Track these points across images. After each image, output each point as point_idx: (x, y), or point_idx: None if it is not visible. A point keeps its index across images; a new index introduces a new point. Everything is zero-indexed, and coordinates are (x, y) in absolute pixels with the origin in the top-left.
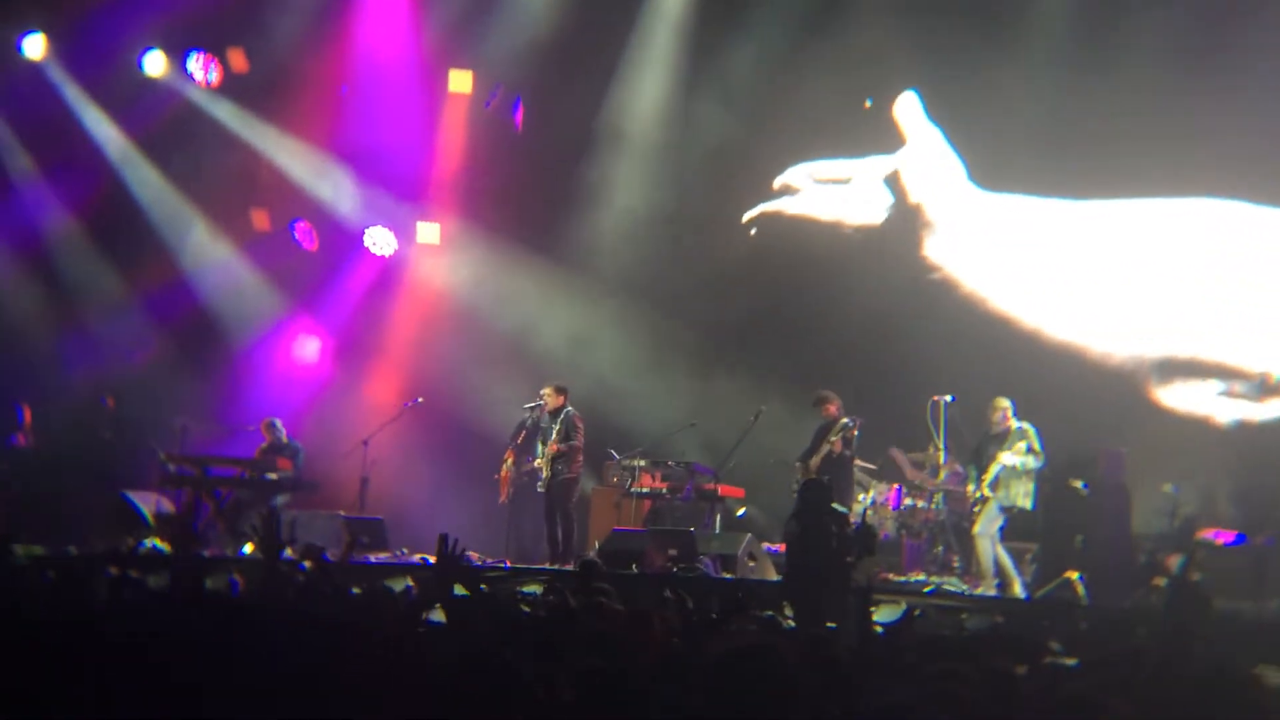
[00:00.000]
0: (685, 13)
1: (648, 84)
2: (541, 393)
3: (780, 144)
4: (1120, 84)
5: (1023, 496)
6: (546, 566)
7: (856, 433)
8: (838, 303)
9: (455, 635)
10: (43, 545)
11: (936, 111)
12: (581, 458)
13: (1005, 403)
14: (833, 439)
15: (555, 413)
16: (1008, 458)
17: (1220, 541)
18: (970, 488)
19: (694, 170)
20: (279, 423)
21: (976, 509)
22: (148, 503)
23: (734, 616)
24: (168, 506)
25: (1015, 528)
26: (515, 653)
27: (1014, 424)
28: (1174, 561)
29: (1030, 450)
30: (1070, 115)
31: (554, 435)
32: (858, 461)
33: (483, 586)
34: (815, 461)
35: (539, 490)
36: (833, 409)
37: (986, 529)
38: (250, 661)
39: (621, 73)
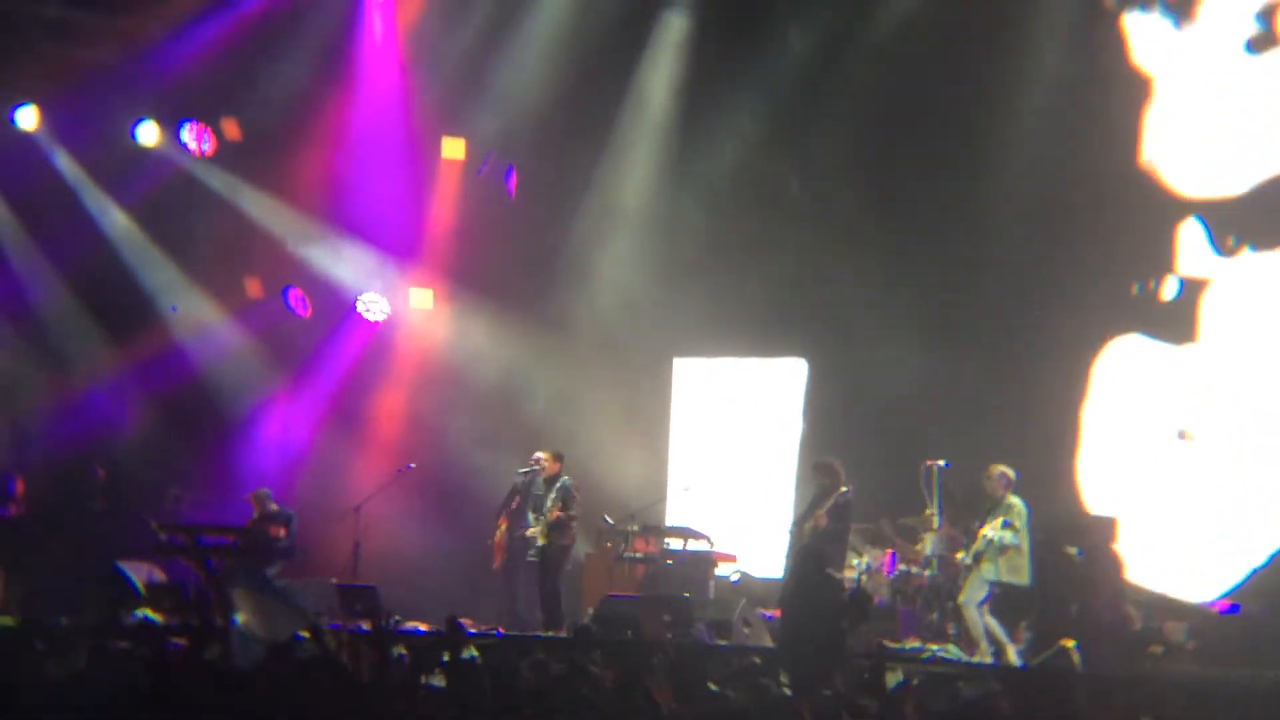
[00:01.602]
0: (677, 88)
1: (638, 156)
2: (538, 457)
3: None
4: None
5: (1008, 571)
6: (539, 634)
7: (849, 501)
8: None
9: (456, 700)
10: (33, 616)
11: None
12: (575, 526)
13: (998, 470)
14: (819, 511)
15: (551, 480)
16: (989, 531)
17: (1215, 610)
18: (959, 555)
19: (682, 243)
20: (266, 493)
21: (963, 578)
22: (139, 573)
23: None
24: (160, 576)
25: (1009, 598)
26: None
27: (1007, 496)
28: (1172, 628)
29: (1009, 526)
30: None
31: (549, 502)
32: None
33: (474, 654)
34: (808, 527)
35: (530, 558)
36: (828, 479)
37: (971, 598)
38: None
39: (613, 144)
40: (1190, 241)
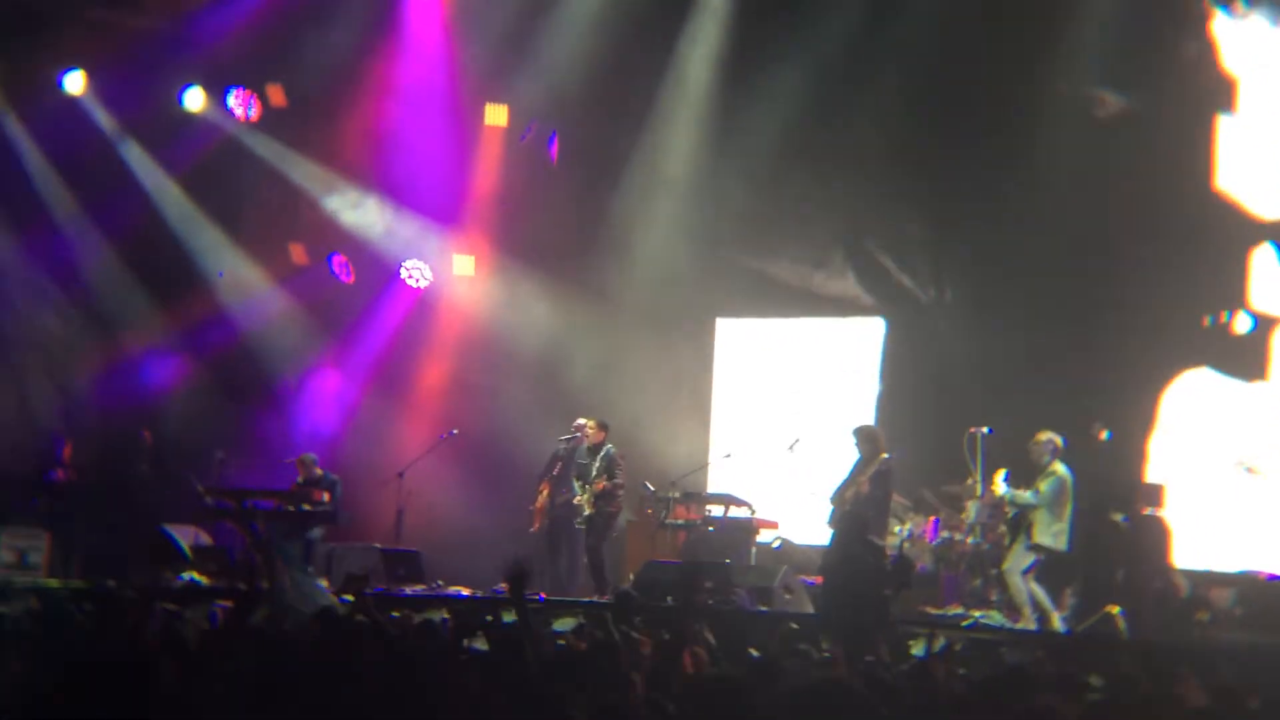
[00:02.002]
0: (719, 55)
1: (681, 123)
2: (582, 424)
3: (819, 190)
4: None
5: (1049, 536)
6: (582, 599)
7: (892, 469)
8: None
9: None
10: (82, 579)
11: None
12: (623, 494)
13: (1045, 436)
14: (862, 478)
15: (595, 448)
16: (1028, 495)
17: (1263, 576)
18: (1002, 526)
19: (726, 207)
20: (312, 458)
21: (1007, 544)
22: (186, 536)
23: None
24: (206, 540)
25: (1053, 564)
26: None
27: (1053, 464)
28: (1219, 595)
29: (1036, 491)
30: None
31: (594, 471)
32: (896, 497)
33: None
34: (848, 495)
35: (578, 526)
36: (869, 446)
37: (1015, 565)
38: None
39: (655, 111)
40: (1264, 270)
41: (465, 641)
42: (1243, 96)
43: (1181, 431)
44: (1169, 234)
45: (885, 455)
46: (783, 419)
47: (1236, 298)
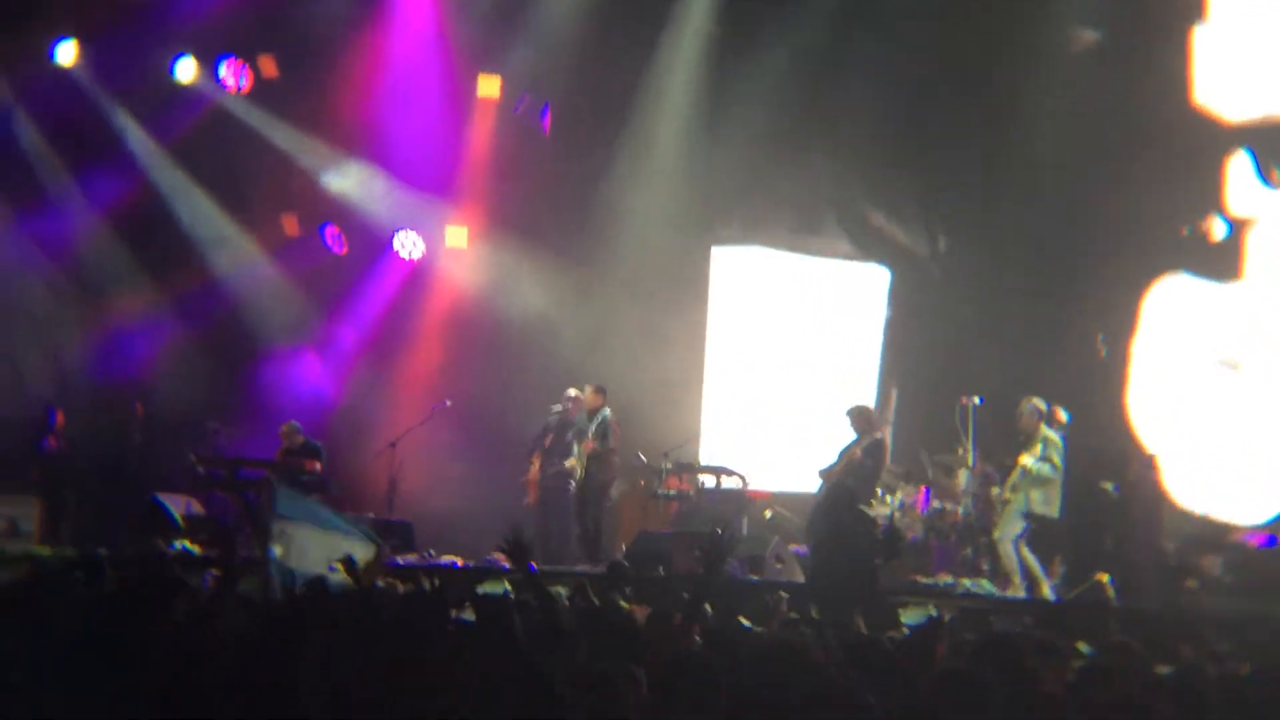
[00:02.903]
0: (713, 22)
1: (673, 92)
2: (572, 395)
3: (807, 157)
4: None
5: (1042, 503)
6: (575, 569)
7: (886, 444)
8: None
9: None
10: (74, 548)
11: None
12: (617, 460)
13: (1033, 403)
14: (855, 448)
15: (592, 414)
16: (1026, 459)
17: (1253, 544)
18: (994, 490)
19: (719, 175)
20: (296, 426)
21: (998, 513)
22: (178, 505)
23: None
24: (198, 509)
25: (1043, 533)
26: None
27: (1041, 429)
28: (1209, 562)
29: (1047, 459)
30: None
31: (590, 435)
32: (888, 466)
33: (507, 587)
34: (838, 470)
35: (571, 490)
36: (862, 425)
37: (1007, 532)
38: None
39: (648, 81)
40: (1238, 176)
41: (453, 612)
42: (1213, 2)
43: (1164, 333)
44: (1149, 154)
45: (877, 435)
46: (778, 385)
47: (1213, 204)
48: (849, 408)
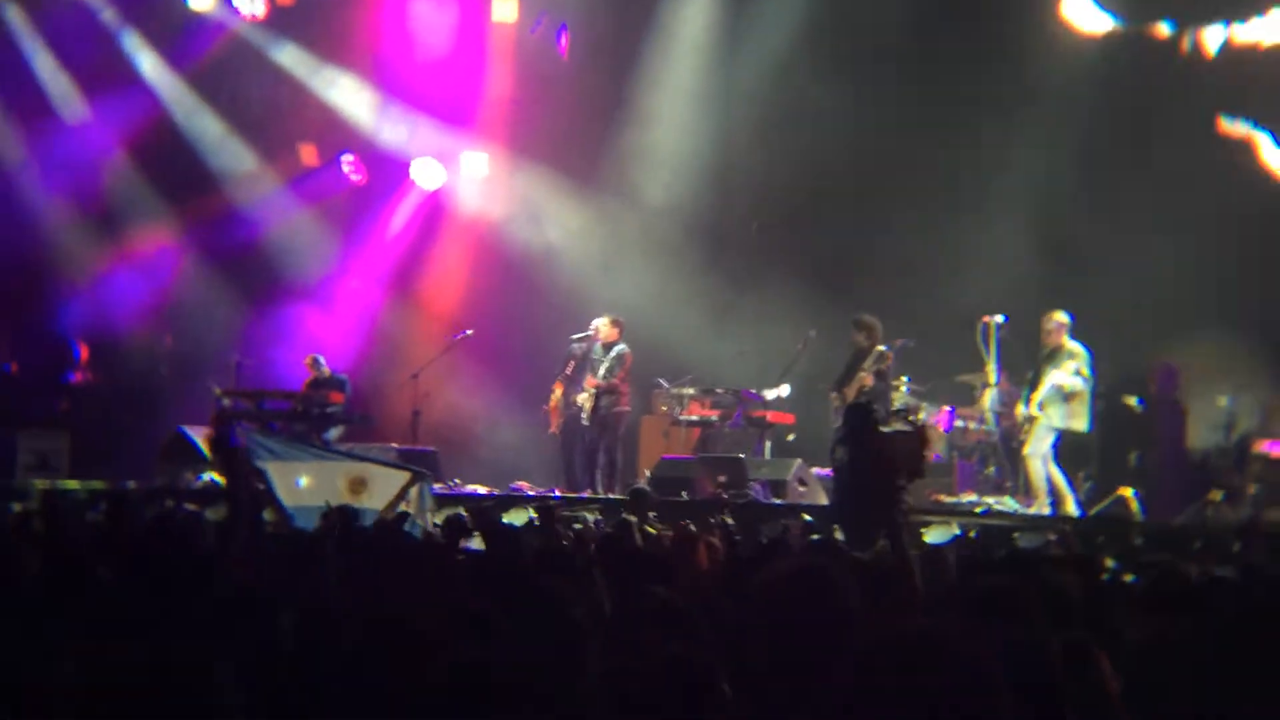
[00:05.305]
0: None
1: (693, 13)
2: (595, 324)
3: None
4: None
5: (1073, 417)
6: (597, 497)
7: (891, 361)
8: (880, 222)
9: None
10: (102, 480)
11: None
12: (628, 390)
13: (1058, 317)
14: (864, 372)
15: (609, 346)
16: (1056, 377)
17: (1277, 454)
18: (1020, 408)
19: (740, 98)
20: (322, 357)
21: (1026, 429)
22: (205, 437)
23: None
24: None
25: (1069, 447)
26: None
27: (1066, 342)
28: (1232, 477)
29: (1078, 372)
30: None
31: (603, 368)
32: (913, 386)
33: (533, 515)
34: (850, 390)
35: (584, 423)
36: (864, 336)
37: (1037, 449)
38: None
39: (666, 6)
40: None
41: (461, 541)
42: None
43: None
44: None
45: (881, 348)
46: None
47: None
48: (854, 318)
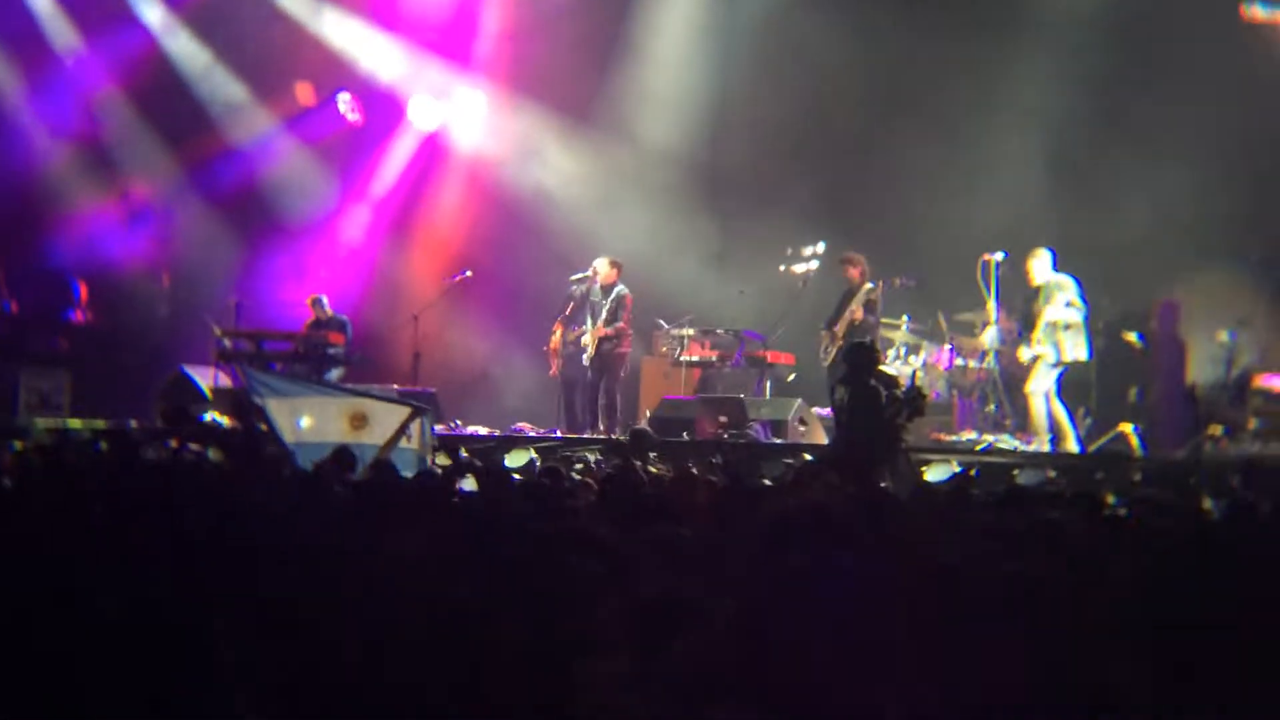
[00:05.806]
0: None
1: None
2: (594, 264)
3: (829, 9)
4: None
5: (1074, 349)
6: (599, 437)
7: (880, 296)
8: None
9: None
10: (103, 419)
11: None
12: (630, 332)
13: (1039, 254)
14: (854, 306)
15: (608, 288)
16: (1050, 312)
17: (1278, 388)
18: (1021, 350)
19: (740, 35)
20: (324, 298)
21: (1028, 365)
22: (205, 377)
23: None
24: (225, 381)
25: (1070, 382)
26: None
27: (1051, 277)
28: (1232, 412)
29: (1070, 304)
30: None
31: (604, 311)
32: (913, 325)
33: (533, 454)
34: (841, 328)
35: (585, 364)
36: (855, 272)
37: (1039, 386)
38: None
39: None
40: None
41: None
42: None
43: None
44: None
45: (869, 285)
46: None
47: None
48: (842, 255)
